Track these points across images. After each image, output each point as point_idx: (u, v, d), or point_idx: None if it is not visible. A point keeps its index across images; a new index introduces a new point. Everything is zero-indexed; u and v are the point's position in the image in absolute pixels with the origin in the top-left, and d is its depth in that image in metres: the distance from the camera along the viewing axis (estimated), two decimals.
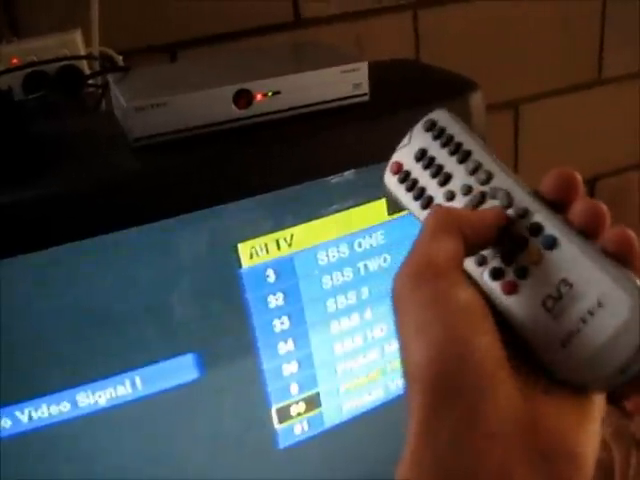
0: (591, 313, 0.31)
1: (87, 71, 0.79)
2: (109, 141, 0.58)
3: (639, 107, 1.23)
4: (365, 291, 0.62)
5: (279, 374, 0.61)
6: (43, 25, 0.79)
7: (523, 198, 0.35)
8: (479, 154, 0.38)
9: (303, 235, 0.58)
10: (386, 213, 0.61)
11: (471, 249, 0.34)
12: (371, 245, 0.61)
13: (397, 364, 0.63)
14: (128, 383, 0.55)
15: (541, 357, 0.32)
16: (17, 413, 0.53)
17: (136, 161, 0.54)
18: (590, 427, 0.31)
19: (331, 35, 0.93)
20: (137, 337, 0.56)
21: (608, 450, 0.70)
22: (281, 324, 0.59)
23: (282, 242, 0.57)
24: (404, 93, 0.63)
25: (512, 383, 0.30)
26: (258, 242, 0.56)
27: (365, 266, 0.61)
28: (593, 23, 1.14)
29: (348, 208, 0.59)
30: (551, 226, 0.34)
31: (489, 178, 0.37)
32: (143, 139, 0.55)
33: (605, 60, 1.17)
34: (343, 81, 0.59)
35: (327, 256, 0.59)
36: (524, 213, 0.35)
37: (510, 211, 0.35)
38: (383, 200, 0.61)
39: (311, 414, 0.63)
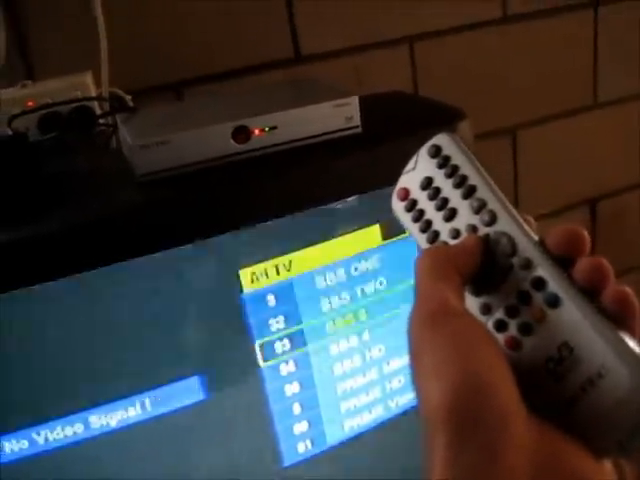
0: (591, 383, 0.31)
1: (98, 111, 0.83)
2: (117, 177, 0.62)
3: (636, 129, 1.26)
4: (362, 313, 0.65)
5: (282, 394, 0.63)
6: (56, 68, 0.83)
7: (527, 247, 0.35)
8: (483, 190, 0.37)
9: (301, 260, 0.61)
10: (380, 238, 0.64)
11: (465, 279, 0.35)
12: (367, 269, 0.64)
13: (395, 383, 0.66)
14: (138, 405, 0.58)
15: (546, 413, 0.32)
16: (34, 435, 0.56)
17: (141, 195, 0.58)
18: (607, 464, 0.32)
19: (330, 69, 0.97)
20: (146, 361, 0.59)
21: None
22: (282, 346, 0.62)
23: (281, 267, 0.60)
24: (394, 124, 0.67)
25: (528, 417, 0.31)
26: (258, 268, 0.60)
27: (362, 289, 0.64)
28: (586, 48, 1.17)
29: (344, 234, 0.63)
30: (554, 283, 0.33)
31: (493, 220, 0.36)
32: (148, 175, 0.58)
33: (600, 84, 1.20)
34: (336, 115, 0.63)
35: (325, 280, 0.62)
36: (527, 264, 0.34)
37: (514, 260, 0.35)
38: (377, 225, 0.64)
39: (313, 433, 0.66)
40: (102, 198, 0.59)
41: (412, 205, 0.40)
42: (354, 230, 0.63)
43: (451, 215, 0.38)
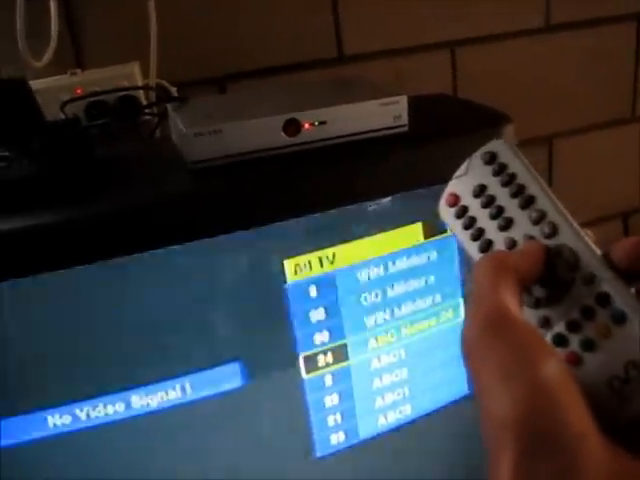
0: None
1: (144, 101, 0.85)
2: (167, 164, 0.63)
3: None
4: (401, 309, 0.66)
5: (319, 385, 0.64)
6: (105, 58, 0.85)
7: (591, 261, 0.34)
8: (543, 201, 0.36)
9: (344, 254, 0.62)
10: (422, 236, 0.65)
11: (525, 287, 0.35)
12: (408, 266, 0.65)
13: (428, 382, 0.67)
14: (178, 387, 0.59)
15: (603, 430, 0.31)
16: (77, 411, 0.57)
17: (193, 182, 0.59)
18: None
19: (372, 71, 0.98)
20: (190, 346, 0.60)
21: None
22: (321, 337, 0.63)
23: (324, 260, 0.61)
24: (441, 125, 0.68)
25: (600, 438, 0.30)
26: (302, 259, 0.61)
27: (401, 285, 0.65)
28: (627, 60, 1.17)
29: (387, 230, 0.63)
30: (621, 299, 0.32)
31: (554, 232, 0.35)
32: (200, 162, 0.60)
33: (639, 97, 1.20)
34: (384, 113, 0.63)
35: (366, 274, 0.63)
36: (591, 279, 0.33)
37: (576, 273, 0.34)
38: (419, 224, 0.65)
39: (347, 425, 0.66)
40: (153, 183, 0.60)
41: (463, 212, 0.40)
42: (396, 227, 0.64)
43: (507, 224, 0.37)
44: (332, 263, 0.62)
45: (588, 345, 0.33)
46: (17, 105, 0.64)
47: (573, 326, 0.34)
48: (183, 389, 0.60)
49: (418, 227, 0.65)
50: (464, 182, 0.40)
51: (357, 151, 0.62)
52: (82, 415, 0.57)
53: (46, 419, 0.56)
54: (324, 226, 0.61)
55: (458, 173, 0.41)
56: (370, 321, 0.64)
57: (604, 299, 0.33)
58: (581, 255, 0.34)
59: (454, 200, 0.40)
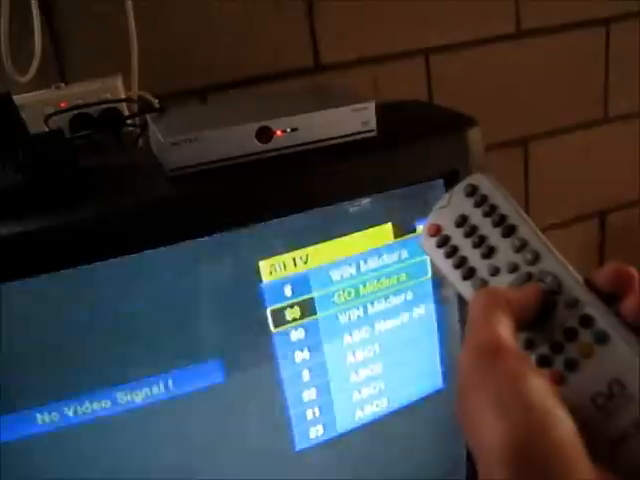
0: None
1: (126, 113, 0.88)
2: (147, 172, 0.66)
3: None
4: (374, 306, 0.69)
5: (296, 381, 0.67)
6: (88, 72, 0.88)
7: (573, 286, 0.35)
8: (524, 230, 0.38)
9: (317, 255, 0.65)
10: (392, 236, 0.68)
11: (517, 321, 0.35)
12: (379, 265, 0.68)
13: (403, 376, 0.70)
14: (162, 385, 0.62)
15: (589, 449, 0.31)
16: (65, 408, 0.60)
17: (171, 188, 0.62)
18: None
19: (349, 79, 1.01)
20: (172, 344, 0.63)
21: None
22: (297, 335, 0.66)
23: (298, 260, 0.64)
24: (408, 129, 0.71)
25: (589, 463, 0.30)
26: (277, 260, 0.64)
27: (374, 283, 0.68)
28: (598, 64, 1.20)
29: (358, 231, 0.66)
30: (603, 320, 0.33)
31: (536, 259, 0.37)
32: (177, 169, 0.62)
33: (610, 99, 1.23)
34: (353, 119, 0.66)
35: (339, 273, 0.66)
36: (574, 302, 0.34)
37: (559, 297, 0.35)
38: (389, 224, 0.68)
39: (325, 419, 0.69)
40: (133, 190, 0.63)
41: (445, 241, 0.40)
42: (367, 228, 0.67)
43: (489, 252, 0.38)
44: (306, 263, 0.65)
45: (572, 365, 0.34)
46: (2, 119, 0.66)
47: (557, 347, 0.35)
48: (166, 386, 0.63)
49: (388, 227, 0.68)
50: (446, 213, 0.41)
51: (327, 156, 0.65)
52: (69, 412, 0.60)
53: (35, 417, 0.59)
54: (297, 228, 0.64)
55: (439, 205, 0.42)
56: (344, 317, 0.67)
57: (587, 321, 0.34)
58: (564, 280, 0.35)
59: (436, 230, 0.41)
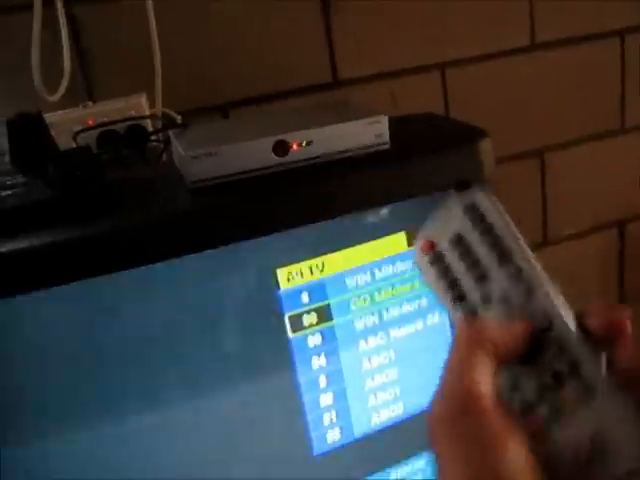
0: (629, 476, 0.30)
1: (151, 129, 0.91)
2: (170, 185, 0.69)
3: None
4: (389, 313, 0.71)
5: (313, 386, 0.69)
6: (115, 90, 0.91)
7: (563, 328, 0.34)
8: (519, 257, 0.36)
9: (333, 263, 0.67)
10: (406, 244, 0.70)
11: (500, 362, 0.34)
12: (393, 272, 0.70)
13: (418, 382, 0.71)
14: (183, 390, 0.65)
15: None
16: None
17: (192, 200, 0.65)
18: None
19: (367, 94, 1.04)
20: (193, 350, 0.65)
21: None
22: (314, 340, 0.68)
23: (315, 268, 0.67)
24: (421, 141, 0.73)
25: None
26: (294, 268, 0.66)
27: (388, 290, 0.70)
28: (613, 73, 1.22)
29: (372, 240, 0.69)
30: (591, 371, 0.32)
31: (529, 292, 0.35)
32: (198, 182, 0.65)
33: (627, 109, 1.24)
34: (366, 132, 0.69)
35: (354, 281, 0.68)
36: (564, 346, 0.33)
37: (550, 336, 0.34)
38: (403, 233, 0.70)
39: (342, 423, 0.71)
40: (157, 202, 0.66)
41: (438, 259, 0.39)
42: (382, 236, 0.69)
43: (482, 278, 0.37)
44: (322, 271, 0.67)
45: (555, 413, 0.33)
46: (33, 136, 0.70)
47: (542, 392, 0.33)
48: (187, 391, 0.65)
49: (402, 236, 0.70)
50: (440, 228, 0.40)
51: (342, 168, 0.68)
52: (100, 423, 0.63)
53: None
54: (313, 237, 0.67)
55: (433, 220, 0.41)
56: (360, 324, 0.70)
57: (575, 368, 0.33)
58: (555, 320, 0.34)
59: (429, 247, 0.40)
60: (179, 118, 0.94)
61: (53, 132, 0.76)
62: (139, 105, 0.91)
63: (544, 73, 1.15)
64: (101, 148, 0.88)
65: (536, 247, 1.25)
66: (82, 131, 0.83)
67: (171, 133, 0.75)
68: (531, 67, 1.14)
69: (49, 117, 0.80)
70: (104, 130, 0.89)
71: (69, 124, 0.87)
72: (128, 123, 0.89)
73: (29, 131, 0.69)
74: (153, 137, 0.91)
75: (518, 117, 1.16)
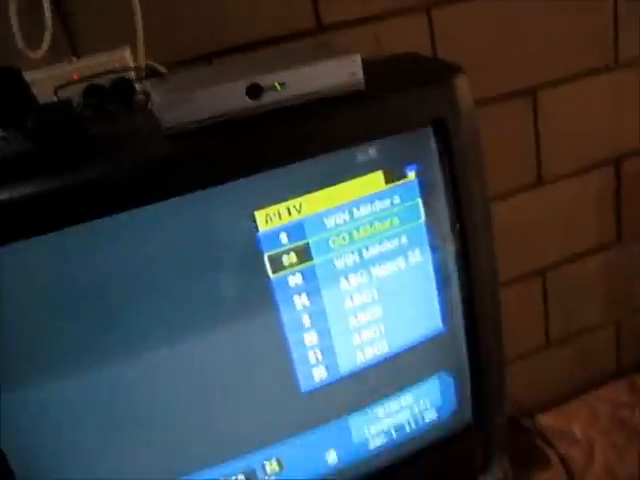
0: None
1: (136, 83, 0.91)
2: (149, 133, 0.70)
3: None
4: (369, 251, 0.72)
5: (297, 326, 0.71)
6: (98, 45, 0.92)
7: None
8: None
9: (311, 203, 0.68)
10: (384, 183, 0.71)
11: None
12: (372, 211, 0.71)
13: (402, 320, 0.73)
14: (167, 333, 0.66)
15: None
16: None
17: (169, 145, 0.66)
18: None
19: (351, 38, 1.03)
20: (175, 294, 0.67)
21: None
22: (295, 280, 0.69)
23: (293, 209, 0.68)
24: (396, 80, 0.73)
25: None
26: (272, 210, 0.67)
27: (367, 228, 0.71)
28: (606, 8, 1.20)
29: (350, 179, 0.69)
30: None
31: None
32: (174, 128, 0.66)
33: (620, 44, 1.23)
34: (340, 71, 0.69)
35: (333, 220, 0.69)
36: None
37: None
38: (380, 171, 0.70)
39: (327, 362, 0.73)
40: (135, 150, 0.67)
41: None
42: (359, 175, 0.69)
43: None
44: (300, 212, 0.68)
45: None
46: (12, 90, 0.71)
47: None
48: (172, 335, 0.67)
49: (379, 175, 0.70)
50: None
51: (316, 108, 0.68)
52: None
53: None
54: (291, 179, 0.68)
55: None
56: (340, 263, 0.71)
57: None
58: None
59: None
60: (163, 70, 0.94)
61: (38, 89, 0.77)
62: (123, 58, 0.91)
63: (534, 9, 1.14)
64: (87, 103, 0.89)
65: (531, 187, 1.25)
66: (63, 86, 0.84)
67: (149, 83, 0.75)
68: (520, 3, 1.12)
69: (33, 74, 0.81)
70: (89, 85, 0.89)
71: (53, 81, 0.88)
72: (112, 77, 0.90)
73: (7, 85, 0.70)
74: (138, 89, 0.91)
75: (508, 56, 1.14)
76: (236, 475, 0.75)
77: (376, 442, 0.80)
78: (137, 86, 0.90)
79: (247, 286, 0.69)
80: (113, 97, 0.90)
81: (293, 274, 0.69)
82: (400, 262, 0.73)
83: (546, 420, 1.35)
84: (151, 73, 0.94)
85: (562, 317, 1.38)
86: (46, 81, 0.86)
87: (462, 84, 0.72)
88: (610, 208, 1.34)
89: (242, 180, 0.65)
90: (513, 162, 1.22)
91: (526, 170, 1.24)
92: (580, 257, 1.34)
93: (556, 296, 1.35)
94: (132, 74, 0.91)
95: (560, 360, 1.41)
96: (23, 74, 0.75)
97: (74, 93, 0.87)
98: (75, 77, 0.90)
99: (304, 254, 0.69)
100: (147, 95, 0.90)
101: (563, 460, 1.03)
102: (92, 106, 0.88)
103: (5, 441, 0.64)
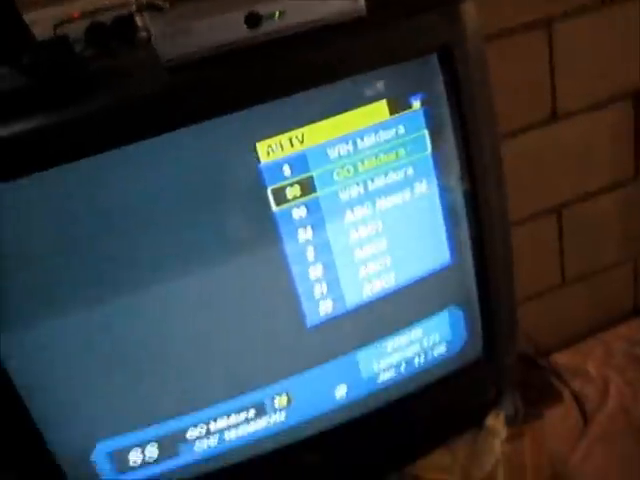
0: None
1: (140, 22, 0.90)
2: (148, 67, 0.69)
3: None
4: (374, 183, 0.71)
5: (302, 259, 0.71)
6: None
7: None
8: None
9: (314, 134, 0.67)
10: (388, 113, 0.69)
11: None
12: (376, 141, 0.70)
13: (408, 253, 0.72)
14: (173, 266, 0.67)
15: None
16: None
17: (168, 78, 0.65)
18: None
19: None
20: (182, 229, 0.67)
21: None
22: (299, 212, 0.69)
23: (295, 140, 0.67)
24: (398, 7, 0.71)
25: None
26: (274, 141, 0.66)
27: (372, 160, 0.70)
28: None
29: (353, 109, 0.68)
30: None
31: None
32: (173, 60, 0.65)
33: None
34: None
35: (336, 151, 0.68)
36: None
37: None
38: (384, 101, 0.69)
39: (333, 295, 0.73)
40: (135, 83, 0.66)
41: None
42: (362, 105, 0.68)
43: None
44: (302, 142, 0.67)
45: None
46: (7, 27, 0.70)
47: None
48: (177, 268, 0.67)
49: (383, 104, 0.69)
50: None
51: (317, 36, 0.66)
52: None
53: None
54: (292, 109, 0.66)
55: None
56: (345, 195, 0.70)
57: None
58: None
59: None
60: (166, 5, 0.92)
61: (38, 29, 0.76)
62: None
63: None
64: (89, 42, 0.87)
65: (545, 123, 1.22)
66: (62, 23, 0.82)
67: (148, 17, 0.74)
68: None
69: (34, 15, 0.79)
70: (91, 24, 0.88)
71: (54, 21, 0.86)
72: (114, 14, 0.88)
73: (2, 22, 0.69)
74: (140, 26, 0.89)
75: None
76: (247, 409, 0.75)
77: (385, 376, 0.80)
78: (139, 23, 0.89)
79: (251, 220, 0.68)
80: (115, 35, 0.89)
81: (297, 207, 0.68)
82: (406, 194, 0.72)
83: (562, 359, 1.35)
84: (152, 8, 0.92)
85: (578, 255, 1.36)
86: (47, 21, 0.85)
87: (469, 10, 0.69)
88: (627, 143, 1.31)
89: (242, 111, 0.64)
90: (527, 97, 1.19)
91: (540, 106, 1.21)
92: (596, 194, 1.32)
93: (572, 234, 1.33)
94: (134, 9, 0.90)
95: (576, 299, 1.40)
96: (23, 16, 0.74)
97: (77, 33, 0.86)
98: (75, 15, 0.88)
99: (308, 186, 0.68)
100: (149, 32, 0.88)
101: (576, 397, 1.03)
102: (94, 44, 0.86)
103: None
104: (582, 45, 1.19)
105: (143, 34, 0.89)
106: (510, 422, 0.91)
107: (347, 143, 0.68)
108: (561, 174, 1.27)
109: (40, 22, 0.81)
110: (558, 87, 1.21)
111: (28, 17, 0.76)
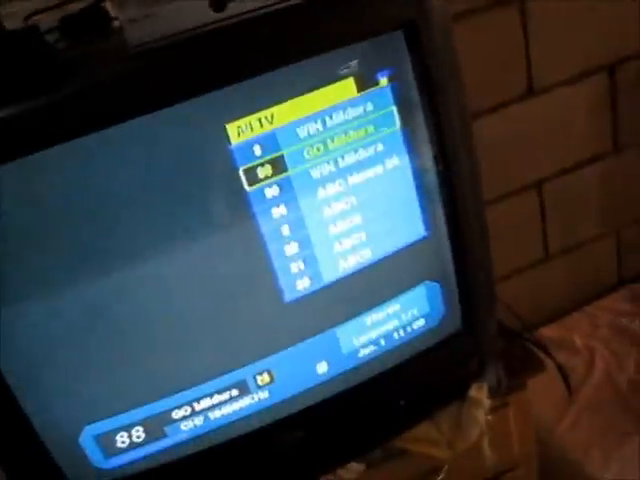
0: None
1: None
2: (117, 53, 0.70)
3: None
4: (345, 160, 0.72)
5: (277, 237, 0.72)
6: None
7: None
8: None
9: (282, 113, 0.68)
10: (355, 90, 0.70)
11: None
12: (345, 119, 0.71)
13: (383, 227, 0.73)
14: (148, 251, 0.68)
15: None
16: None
17: (135, 62, 0.66)
18: None
19: None
20: (155, 212, 0.68)
21: None
22: (272, 192, 0.70)
23: (264, 120, 0.68)
24: None
25: None
26: (243, 122, 0.67)
27: (341, 137, 0.71)
28: None
29: (320, 87, 0.69)
30: None
31: None
32: (140, 46, 0.66)
33: None
34: None
35: (306, 130, 0.69)
36: None
37: None
38: (351, 79, 0.70)
39: (310, 271, 0.74)
40: (100, 69, 0.67)
41: None
42: (329, 83, 0.69)
43: None
44: (271, 122, 0.68)
45: None
46: None
47: None
48: (152, 254, 0.68)
49: (350, 82, 0.70)
50: None
51: (284, 16, 0.67)
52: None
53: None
54: (259, 90, 0.67)
55: None
56: (316, 172, 0.71)
57: None
58: None
59: None
60: None
61: (11, 23, 0.77)
62: None
63: None
64: (62, 33, 0.88)
65: (522, 98, 1.23)
66: (32, 15, 0.83)
67: (114, 4, 0.75)
68: None
69: (8, 7, 0.80)
70: (63, 16, 0.88)
71: (26, 13, 0.87)
72: (87, 6, 0.89)
73: None
74: (113, 15, 0.90)
75: None
76: (230, 389, 0.77)
77: (365, 351, 0.81)
78: (112, 12, 0.90)
79: (225, 200, 0.70)
80: (89, 25, 0.89)
81: (269, 186, 0.70)
82: (377, 170, 0.73)
83: (548, 332, 1.36)
84: None
85: (560, 229, 1.38)
86: (19, 14, 0.86)
87: None
88: (605, 116, 1.32)
89: (211, 94, 0.65)
90: (503, 74, 1.20)
91: (516, 81, 1.22)
92: (576, 168, 1.34)
93: (553, 208, 1.35)
94: (108, 4, 0.90)
95: (560, 273, 1.42)
96: None
97: (50, 25, 0.87)
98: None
99: (279, 165, 0.69)
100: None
101: (560, 367, 1.04)
102: (67, 35, 0.87)
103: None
104: (555, 19, 1.19)
105: (116, 23, 0.90)
106: (493, 393, 0.93)
107: (316, 121, 0.69)
108: (540, 149, 1.28)
109: (11, 16, 0.81)
110: (533, 62, 1.22)
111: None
